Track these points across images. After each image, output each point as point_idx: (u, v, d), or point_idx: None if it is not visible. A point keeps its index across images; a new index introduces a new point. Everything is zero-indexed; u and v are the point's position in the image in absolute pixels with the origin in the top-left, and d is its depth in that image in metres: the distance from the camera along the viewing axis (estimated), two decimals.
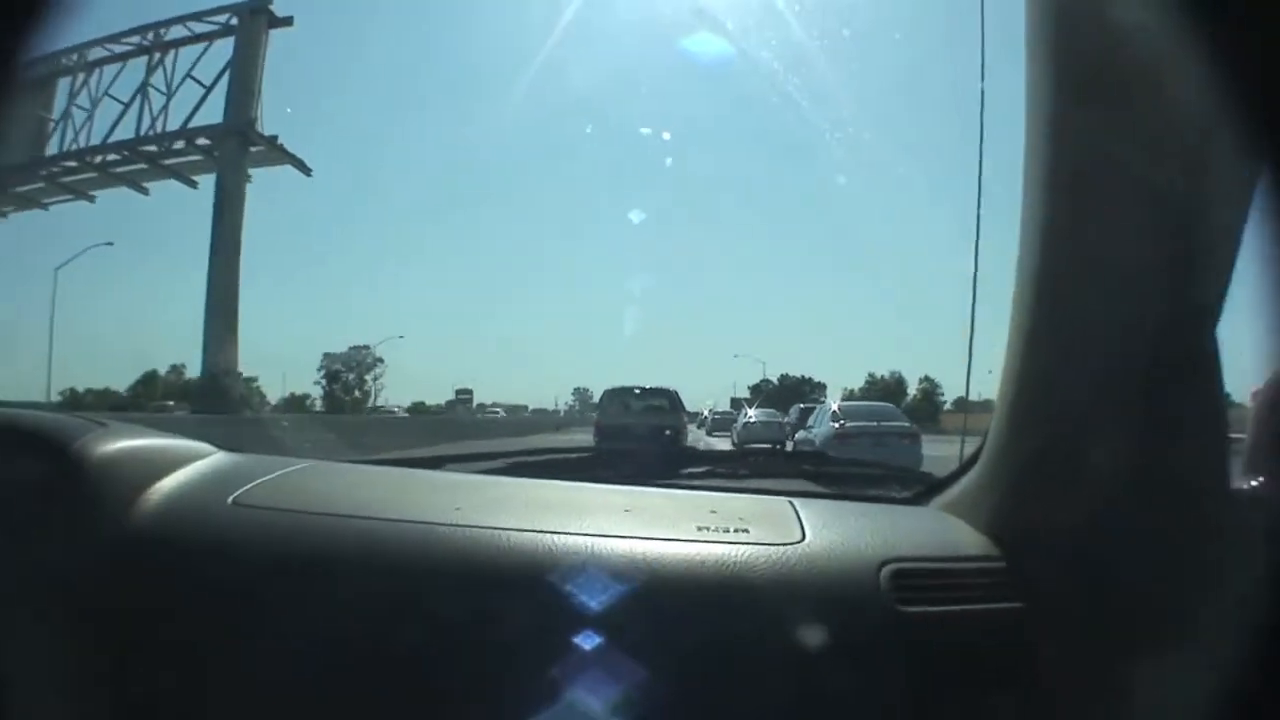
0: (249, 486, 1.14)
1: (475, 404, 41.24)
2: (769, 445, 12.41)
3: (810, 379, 37.49)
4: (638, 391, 12.76)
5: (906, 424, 10.52)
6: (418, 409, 37.60)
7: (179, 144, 24.14)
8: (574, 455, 1.66)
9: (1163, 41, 0.79)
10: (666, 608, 0.94)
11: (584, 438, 15.56)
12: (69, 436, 1.15)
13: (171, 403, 30.20)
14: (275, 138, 24.31)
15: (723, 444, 14.11)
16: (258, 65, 23.77)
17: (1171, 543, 0.89)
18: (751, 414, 17.11)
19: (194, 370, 27.53)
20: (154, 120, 23.45)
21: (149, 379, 37.75)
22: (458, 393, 39.16)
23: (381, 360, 38.64)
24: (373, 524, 1.05)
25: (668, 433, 11.38)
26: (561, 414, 43.09)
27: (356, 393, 38.97)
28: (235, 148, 23.74)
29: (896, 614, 0.93)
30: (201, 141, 24.25)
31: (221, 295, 23.28)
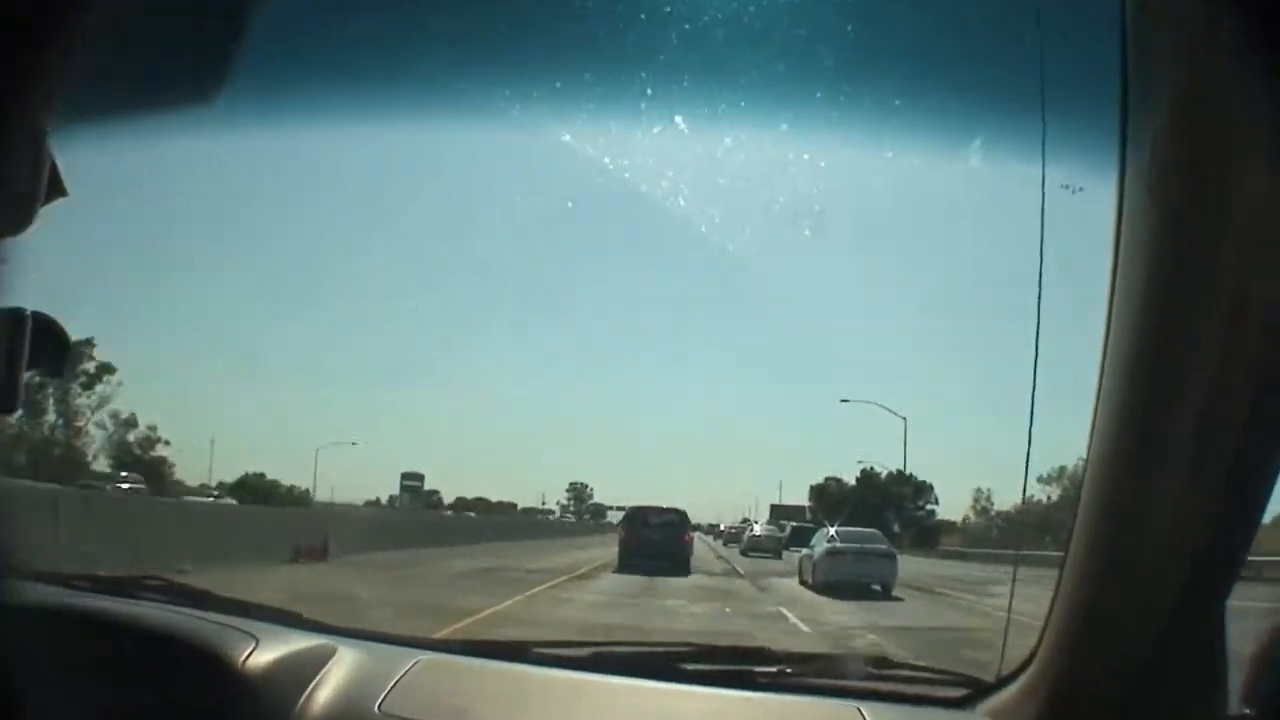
0: (387, 693, 1.36)
1: (435, 498, 30.36)
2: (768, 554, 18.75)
3: (911, 476, 28.08)
4: (653, 512, 14.31)
5: (885, 547, 12.61)
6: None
7: None
8: (660, 649, 1.86)
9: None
10: None
11: (604, 552, 16.08)
12: (231, 654, 1.35)
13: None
14: None
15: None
16: None
17: None
18: (757, 528, 24.37)
19: None
20: None
21: None
22: (404, 478, 26.88)
23: None
24: None
25: (677, 546, 13.44)
26: (558, 516, 34.83)
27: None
28: None
29: None
30: None
31: None
